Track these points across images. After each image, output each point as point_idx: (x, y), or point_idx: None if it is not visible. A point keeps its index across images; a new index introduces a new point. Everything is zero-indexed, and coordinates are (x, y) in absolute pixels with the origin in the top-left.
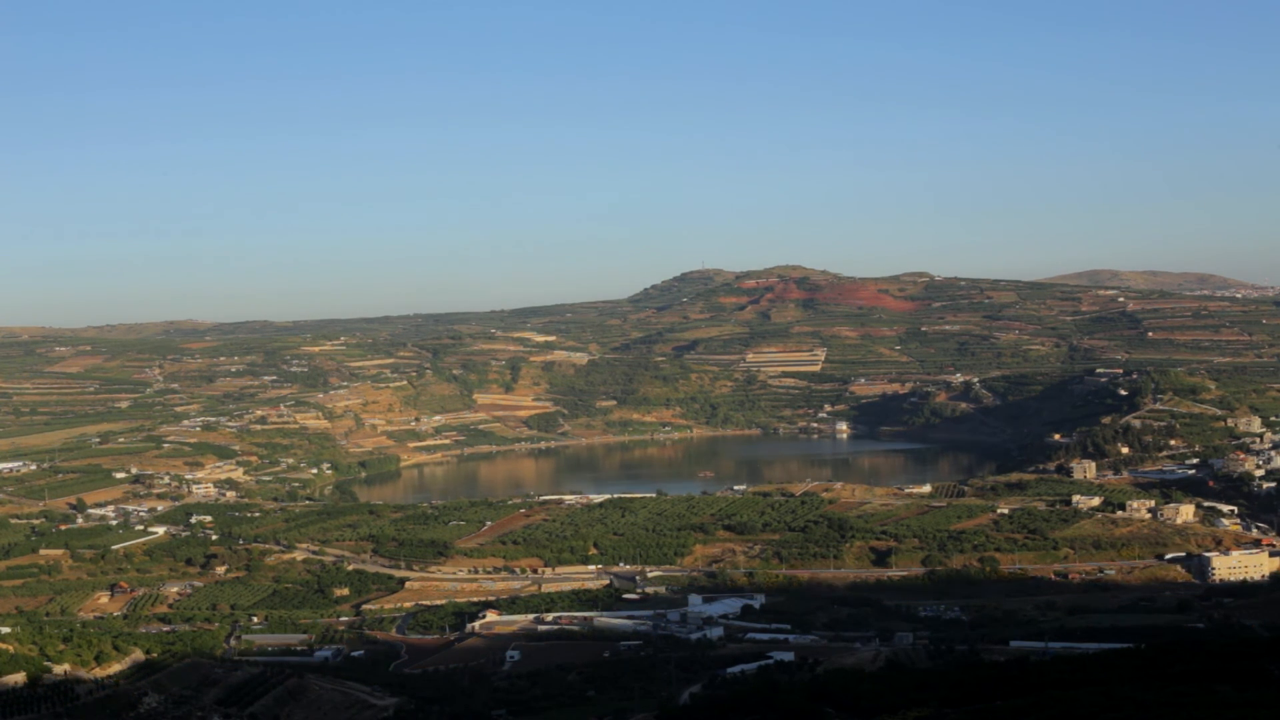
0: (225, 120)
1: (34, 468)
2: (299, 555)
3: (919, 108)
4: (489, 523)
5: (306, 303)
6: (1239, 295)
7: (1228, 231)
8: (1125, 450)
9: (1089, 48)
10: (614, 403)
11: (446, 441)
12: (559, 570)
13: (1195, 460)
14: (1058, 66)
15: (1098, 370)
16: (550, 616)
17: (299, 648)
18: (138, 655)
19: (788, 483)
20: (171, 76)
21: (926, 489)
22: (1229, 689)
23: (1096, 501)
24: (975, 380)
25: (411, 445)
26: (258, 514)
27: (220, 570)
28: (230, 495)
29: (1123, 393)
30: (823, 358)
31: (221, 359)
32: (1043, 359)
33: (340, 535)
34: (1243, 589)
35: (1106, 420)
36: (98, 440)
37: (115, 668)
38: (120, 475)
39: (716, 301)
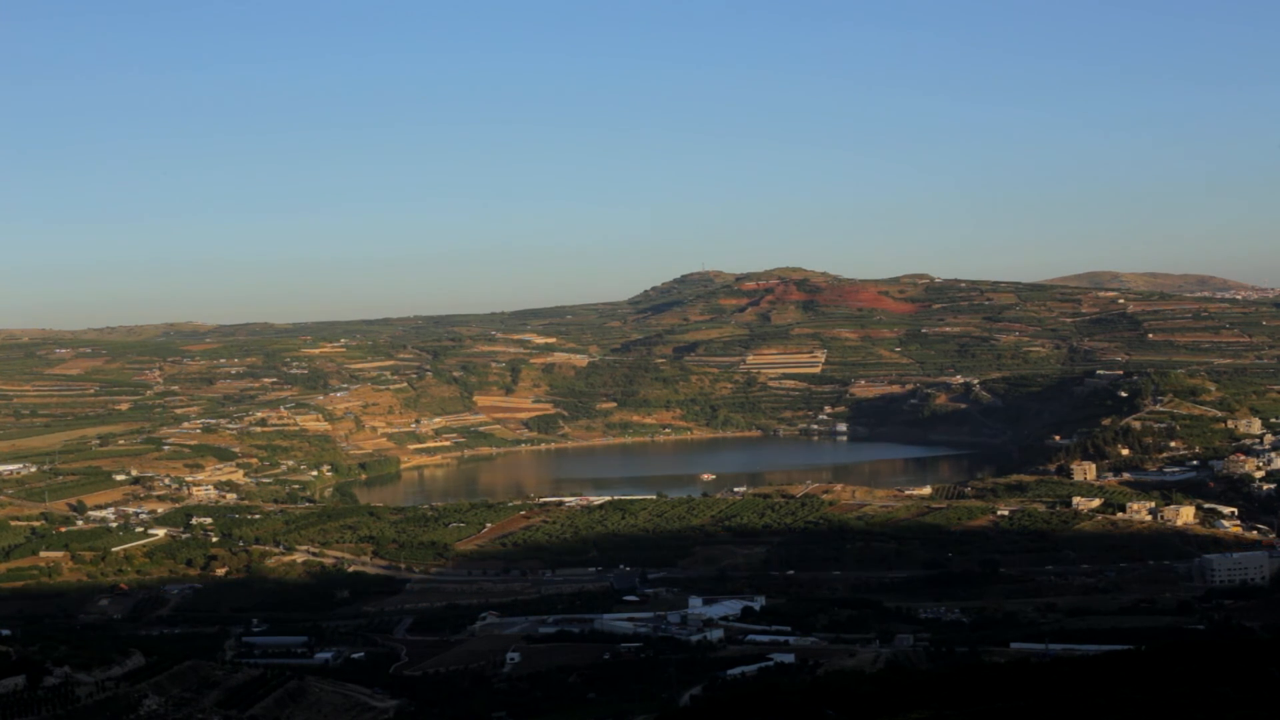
0: (225, 121)
1: (34, 470)
2: (299, 557)
3: (919, 109)
4: (489, 524)
5: (307, 304)
6: (1239, 297)
7: (1228, 233)
8: (1125, 452)
9: (1089, 48)
10: (614, 404)
11: (446, 443)
12: (559, 572)
13: (1195, 462)
14: (1058, 68)
15: (1098, 372)
16: (550, 618)
17: (299, 650)
18: (138, 657)
19: (788, 484)
20: (172, 77)
21: (926, 490)
22: (1230, 691)
23: (1097, 503)
24: (975, 382)
25: (411, 447)
26: (258, 516)
27: (220, 572)
28: (230, 497)
29: (1123, 394)
30: (823, 359)
31: (221, 361)
32: (1043, 360)
33: (340, 537)
34: (1243, 590)
35: (1106, 422)
36: (98, 442)
37: (115, 670)
38: (120, 477)
39: (716, 303)
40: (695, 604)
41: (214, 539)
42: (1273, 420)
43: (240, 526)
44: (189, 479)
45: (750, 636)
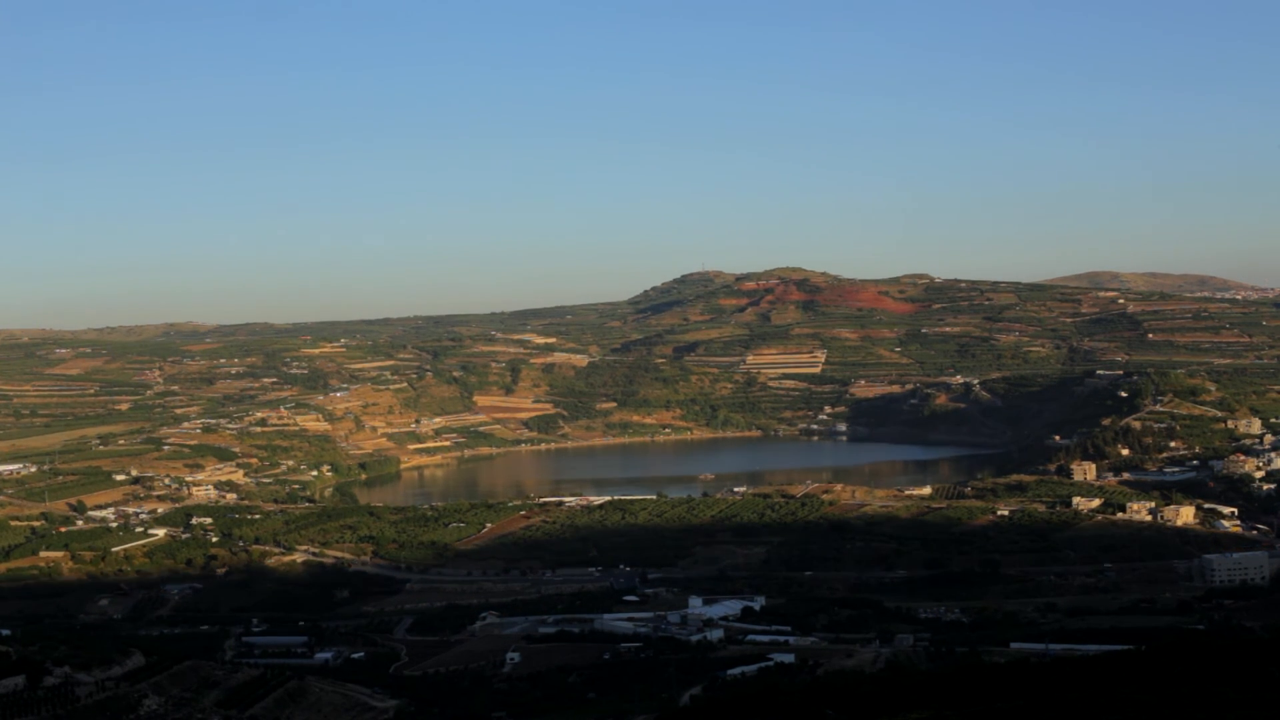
0: (225, 122)
1: (34, 470)
2: (299, 557)
3: (917, 108)
4: (489, 524)
5: (307, 304)
6: (1239, 297)
7: (1228, 233)
8: (1125, 452)
9: (1088, 47)
10: (614, 404)
11: (446, 443)
12: (559, 572)
13: (1195, 462)
14: (1057, 68)
15: (1098, 372)
16: (550, 618)
17: (299, 650)
18: (138, 657)
19: (788, 484)
20: (172, 79)
21: (926, 490)
22: (1229, 691)
23: (1096, 503)
24: (975, 382)
25: (411, 447)
26: (258, 516)
27: (220, 572)
28: (230, 497)
29: (1123, 394)
30: (823, 359)
31: (222, 361)
32: (1043, 361)
33: (340, 537)
34: (1243, 590)
35: (1106, 422)
36: (98, 442)
37: (115, 670)
38: (120, 477)
39: (716, 303)
40: (695, 604)
41: (214, 539)
42: (1273, 420)
43: (240, 526)
44: (189, 479)
45: (750, 636)
